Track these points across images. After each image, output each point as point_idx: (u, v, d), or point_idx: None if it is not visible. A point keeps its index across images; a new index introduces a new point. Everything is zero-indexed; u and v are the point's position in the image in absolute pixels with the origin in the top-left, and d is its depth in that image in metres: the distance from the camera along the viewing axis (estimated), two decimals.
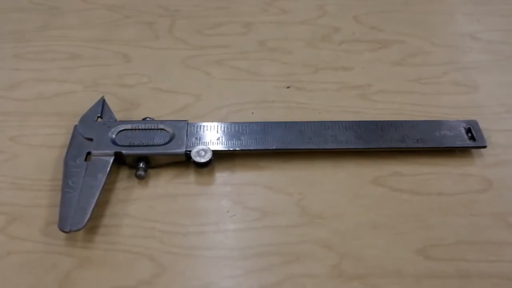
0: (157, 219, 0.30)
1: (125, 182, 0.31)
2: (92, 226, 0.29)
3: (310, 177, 0.32)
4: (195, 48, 0.40)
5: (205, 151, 0.30)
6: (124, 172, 0.31)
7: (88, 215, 0.28)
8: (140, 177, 0.30)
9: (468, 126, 0.33)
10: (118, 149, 0.30)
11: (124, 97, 0.36)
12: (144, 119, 0.33)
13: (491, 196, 0.31)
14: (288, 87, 0.37)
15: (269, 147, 0.31)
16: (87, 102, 0.33)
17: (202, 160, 0.30)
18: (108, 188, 0.30)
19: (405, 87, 0.37)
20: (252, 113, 0.35)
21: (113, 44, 0.39)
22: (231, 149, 0.31)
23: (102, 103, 0.33)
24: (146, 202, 0.30)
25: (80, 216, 0.28)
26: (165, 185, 0.31)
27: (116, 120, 0.33)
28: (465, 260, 0.28)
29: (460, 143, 0.32)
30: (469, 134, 0.32)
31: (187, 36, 0.40)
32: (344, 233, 0.29)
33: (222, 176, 0.32)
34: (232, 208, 0.30)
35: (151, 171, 0.31)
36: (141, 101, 0.36)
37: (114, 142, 0.31)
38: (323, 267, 0.28)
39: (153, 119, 0.33)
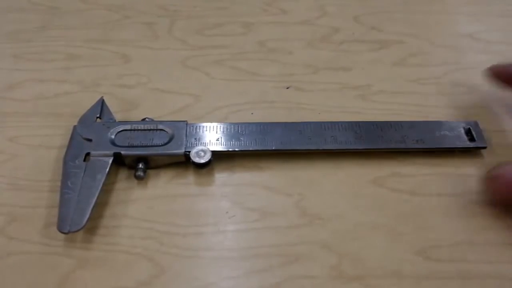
0: (156, 220, 0.30)
1: (124, 183, 0.31)
2: (91, 227, 0.29)
3: (310, 177, 0.32)
4: (194, 49, 0.40)
5: (204, 151, 0.30)
6: (123, 173, 0.31)
7: (87, 216, 0.28)
8: (139, 178, 0.30)
9: (468, 126, 0.33)
10: (117, 149, 0.30)
11: (124, 98, 0.36)
12: (143, 119, 0.33)
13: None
14: (287, 88, 0.37)
15: (268, 147, 0.31)
16: (86, 103, 0.33)
17: (202, 161, 0.30)
18: (107, 189, 0.30)
19: (405, 87, 0.37)
20: (252, 113, 0.35)
21: (112, 45, 0.39)
22: (230, 149, 0.31)
23: (101, 103, 0.33)
24: (145, 203, 0.30)
25: (79, 217, 0.28)
26: (164, 185, 0.31)
27: (115, 120, 0.33)
28: (465, 261, 0.28)
29: (460, 144, 0.32)
30: (469, 135, 0.32)
31: (186, 36, 0.40)
32: (343, 234, 0.29)
33: (222, 177, 0.32)
34: (231, 208, 0.30)
35: (150, 172, 0.31)
36: (140, 101, 0.36)
37: (113, 142, 0.31)
38: (322, 268, 0.28)
39: (152, 120, 0.33)
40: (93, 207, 0.28)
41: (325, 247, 0.29)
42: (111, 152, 0.30)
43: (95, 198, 0.28)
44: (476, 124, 0.33)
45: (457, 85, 0.37)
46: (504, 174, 0.27)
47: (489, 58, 0.35)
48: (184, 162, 0.31)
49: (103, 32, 0.40)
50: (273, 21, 0.42)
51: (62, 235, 0.28)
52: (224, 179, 0.32)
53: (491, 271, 0.28)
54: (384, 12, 0.43)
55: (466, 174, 0.32)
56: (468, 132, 0.33)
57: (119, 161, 0.31)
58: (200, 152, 0.30)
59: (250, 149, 0.31)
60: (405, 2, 0.44)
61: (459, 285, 0.27)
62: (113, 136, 0.31)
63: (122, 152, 0.30)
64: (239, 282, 0.27)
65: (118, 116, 0.33)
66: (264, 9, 0.43)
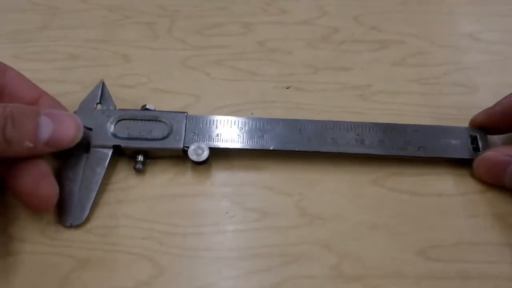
0: (156, 220, 0.30)
1: (123, 183, 0.31)
2: (91, 227, 0.29)
3: (310, 177, 0.32)
4: (194, 49, 0.39)
5: (202, 149, 0.30)
6: (122, 173, 0.31)
7: (87, 211, 0.28)
8: (138, 170, 0.31)
9: (475, 134, 0.32)
10: (116, 142, 0.30)
11: (124, 98, 0.36)
12: (143, 107, 0.32)
13: (491, 196, 0.31)
14: (287, 88, 0.37)
15: (267, 147, 0.31)
16: (90, 91, 0.33)
17: (199, 159, 0.30)
18: (106, 189, 0.30)
19: (405, 87, 0.37)
20: (252, 113, 0.35)
21: (112, 45, 0.39)
22: (229, 147, 0.31)
23: (102, 87, 0.33)
24: (145, 203, 0.30)
25: (80, 211, 0.28)
26: (164, 185, 0.31)
27: (115, 107, 0.32)
28: (465, 261, 0.28)
29: (462, 155, 0.31)
30: (474, 143, 0.32)
31: (186, 36, 0.40)
32: (343, 234, 0.29)
33: (222, 177, 0.32)
34: (231, 208, 0.30)
35: (150, 171, 0.31)
36: (140, 101, 0.35)
37: (113, 133, 0.31)
38: (322, 268, 0.28)
39: (153, 109, 0.32)
40: (94, 201, 0.28)
41: (325, 247, 0.29)
42: (111, 144, 0.30)
43: (96, 192, 0.29)
44: (483, 133, 0.32)
45: (457, 85, 0.37)
46: (487, 157, 0.30)
47: (489, 58, 0.35)
48: (182, 156, 0.31)
49: (103, 32, 0.40)
50: (273, 21, 0.42)
51: (63, 235, 0.28)
52: (224, 179, 0.32)
53: (491, 271, 0.28)
54: (384, 12, 0.43)
55: (467, 174, 0.32)
56: (474, 140, 0.32)
57: (118, 151, 0.31)
58: (198, 150, 0.30)
59: (249, 148, 0.31)
60: (405, 2, 0.44)
61: (459, 285, 0.27)
62: (112, 126, 0.31)
63: (122, 145, 0.30)
64: (239, 282, 0.27)
65: None
66: (264, 9, 0.43)
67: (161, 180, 0.31)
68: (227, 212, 0.30)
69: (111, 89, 0.36)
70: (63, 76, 0.37)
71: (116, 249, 0.28)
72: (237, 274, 0.28)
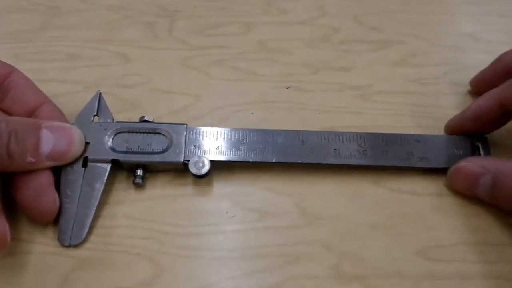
0: (156, 220, 0.30)
1: (123, 183, 0.31)
2: (91, 227, 0.29)
3: (310, 177, 0.32)
4: (194, 49, 0.39)
5: (203, 163, 0.30)
6: (122, 173, 0.31)
7: (87, 229, 0.28)
8: (137, 185, 0.30)
9: (477, 143, 0.32)
10: (115, 156, 0.29)
11: (124, 98, 0.36)
12: (141, 118, 0.32)
13: None
14: (288, 88, 0.37)
15: (268, 159, 0.30)
16: (87, 103, 0.33)
17: (200, 173, 0.29)
18: (106, 189, 0.30)
19: (405, 87, 0.37)
20: (252, 113, 0.35)
21: (112, 44, 0.39)
22: (230, 160, 0.30)
23: (98, 98, 0.32)
24: (145, 203, 0.30)
25: (79, 230, 0.28)
26: (164, 186, 0.31)
27: (112, 119, 0.32)
28: (465, 261, 0.28)
29: None
30: (477, 152, 0.31)
31: (186, 36, 0.40)
32: (343, 233, 0.29)
33: (222, 177, 0.32)
34: (231, 209, 0.30)
35: (149, 175, 0.31)
36: (141, 101, 0.36)
37: (111, 147, 0.30)
38: (322, 268, 0.28)
39: (151, 121, 0.32)
40: (93, 219, 0.28)
41: (325, 247, 0.29)
42: (109, 159, 0.29)
43: (94, 209, 0.28)
44: (485, 140, 0.32)
45: (457, 85, 0.37)
46: (461, 168, 0.30)
47: (489, 58, 0.35)
48: (183, 169, 0.31)
49: (103, 32, 0.40)
50: (273, 21, 0.42)
51: None
52: (224, 179, 0.32)
53: (491, 271, 0.28)
54: (384, 12, 0.43)
55: None
56: (476, 148, 0.32)
57: (117, 164, 0.30)
58: (199, 163, 0.30)
59: (250, 160, 0.30)
60: (405, 2, 0.44)
61: (459, 285, 0.27)
62: (110, 140, 0.30)
63: (120, 159, 0.30)
64: (239, 282, 0.27)
65: (118, 116, 0.33)
66: (264, 9, 0.43)
67: (162, 181, 0.31)
68: (227, 212, 0.30)
69: (111, 89, 0.36)
70: (63, 76, 0.37)
71: (116, 249, 0.28)
72: (237, 274, 0.28)
